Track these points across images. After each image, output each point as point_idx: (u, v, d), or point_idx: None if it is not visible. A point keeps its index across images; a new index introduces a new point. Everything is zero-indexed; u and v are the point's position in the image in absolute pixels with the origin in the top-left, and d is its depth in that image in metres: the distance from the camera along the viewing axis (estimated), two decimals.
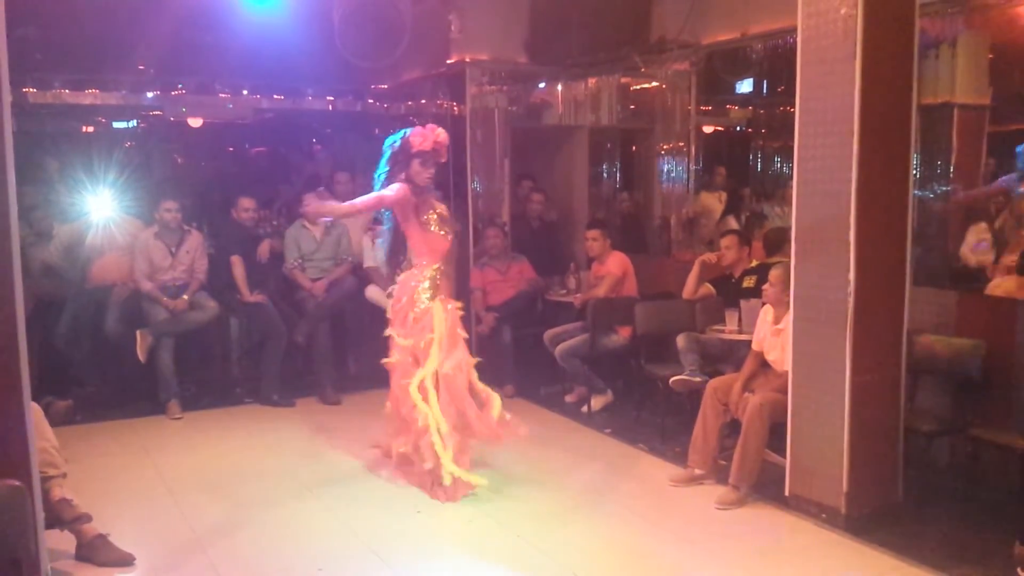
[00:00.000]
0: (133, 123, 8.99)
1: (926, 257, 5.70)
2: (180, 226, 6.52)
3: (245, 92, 8.26)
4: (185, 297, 6.39)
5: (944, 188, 5.99)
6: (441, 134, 4.83)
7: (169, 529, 4.35)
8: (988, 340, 4.64)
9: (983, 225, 6.05)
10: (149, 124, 8.86)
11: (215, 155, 9.93)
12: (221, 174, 9.52)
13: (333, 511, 4.56)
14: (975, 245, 5.97)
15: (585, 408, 6.38)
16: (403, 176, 4.79)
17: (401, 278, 4.93)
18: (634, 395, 6.33)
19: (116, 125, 8.92)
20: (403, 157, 4.78)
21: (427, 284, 4.80)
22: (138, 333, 6.21)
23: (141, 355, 6.20)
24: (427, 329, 4.73)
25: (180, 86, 7.71)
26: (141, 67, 7.60)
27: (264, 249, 6.82)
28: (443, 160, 4.95)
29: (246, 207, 6.70)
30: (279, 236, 7.12)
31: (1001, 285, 5.30)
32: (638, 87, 8.31)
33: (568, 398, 6.67)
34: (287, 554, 4.05)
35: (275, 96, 8.19)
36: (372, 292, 7.03)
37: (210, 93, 7.91)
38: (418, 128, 4.85)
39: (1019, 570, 3.64)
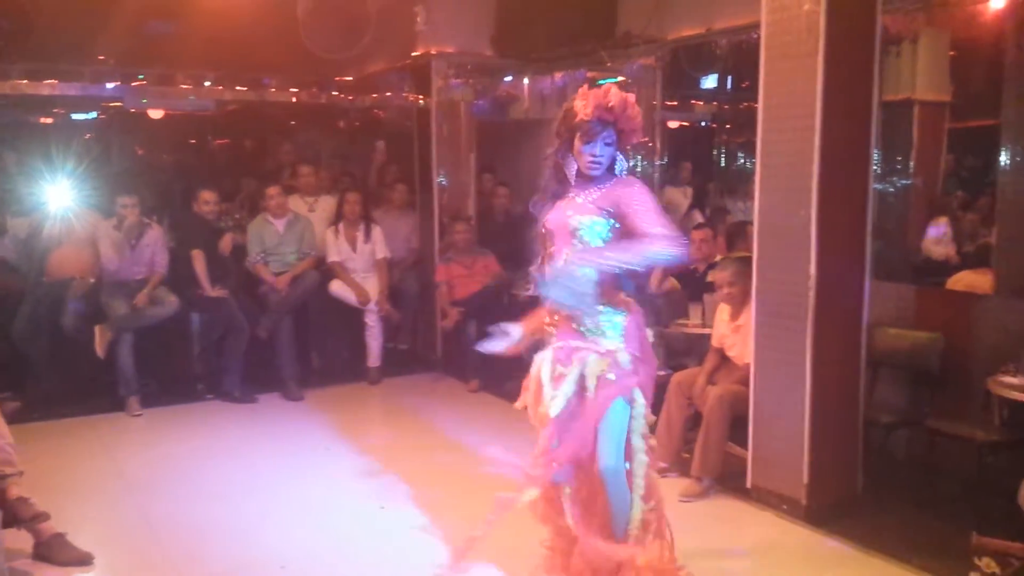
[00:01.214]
0: (93, 114, 8.85)
1: (886, 251, 5.77)
2: (140, 220, 6.42)
3: (207, 83, 8.15)
4: (145, 292, 6.29)
5: (904, 183, 6.06)
6: (610, 94, 3.08)
7: (129, 527, 4.29)
8: (946, 333, 4.71)
9: (944, 219, 6.15)
10: (109, 115, 8.72)
11: (176, 147, 9.81)
12: (182, 166, 9.40)
13: (296, 508, 4.52)
14: (937, 236, 6.07)
15: None
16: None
17: (628, 321, 3.18)
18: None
19: (75, 116, 8.78)
20: (565, 132, 3.18)
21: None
22: (97, 328, 6.11)
23: (100, 351, 6.09)
24: None
25: (141, 77, 7.58)
26: (101, 57, 7.47)
27: (226, 243, 6.74)
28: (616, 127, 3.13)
29: (207, 200, 6.61)
30: (241, 229, 7.05)
31: (962, 279, 5.38)
32: (604, 81, 8.31)
33: None
34: (249, 552, 4.01)
35: (238, 87, 8.09)
36: (336, 287, 6.99)
37: (171, 84, 7.79)
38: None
39: (976, 559, 3.70)
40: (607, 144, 3.09)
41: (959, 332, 4.73)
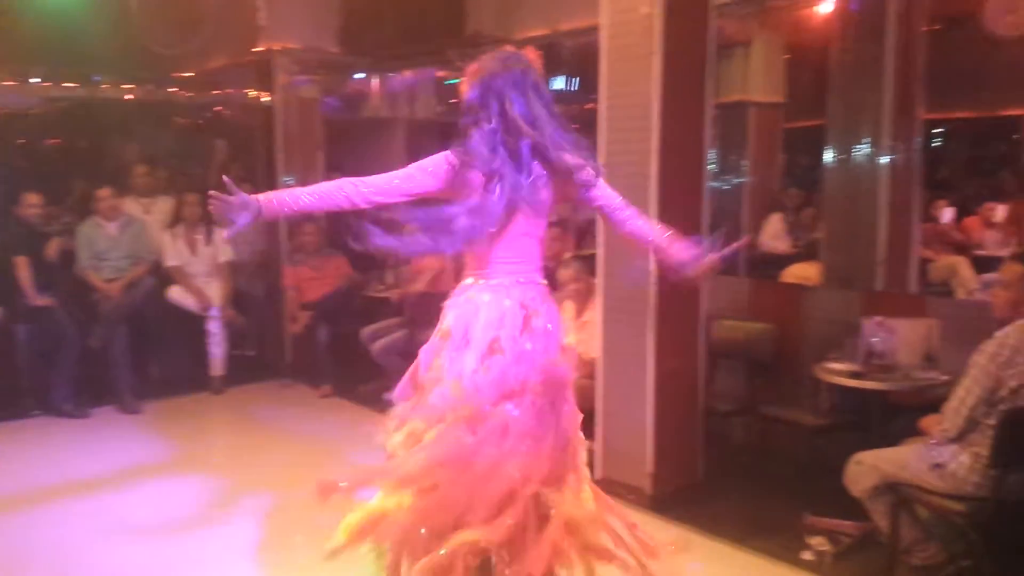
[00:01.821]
0: None
1: (724, 246, 5.99)
2: None
3: (34, 80, 7.67)
4: None
5: (741, 181, 6.33)
6: None
7: None
8: (779, 324, 4.94)
9: (779, 216, 6.45)
10: None
11: (0, 148, 9.16)
12: (7, 168, 8.77)
13: (132, 527, 4.27)
14: (774, 233, 6.36)
15: None
16: None
17: None
18: None
19: None
20: None
21: None
22: None
23: None
24: None
25: None
26: None
27: (53, 248, 6.33)
28: None
29: (31, 203, 6.19)
30: (71, 234, 6.63)
31: (793, 272, 5.67)
32: (455, 81, 8.31)
33: (387, 396, 6.55)
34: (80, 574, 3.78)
35: (66, 84, 7.64)
36: (175, 293, 6.68)
37: None
38: None
39: (809, 538, 3.89)
40: None
41: (791, 322, 4.98)
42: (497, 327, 2.74)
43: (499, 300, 2.78)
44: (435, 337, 2.87)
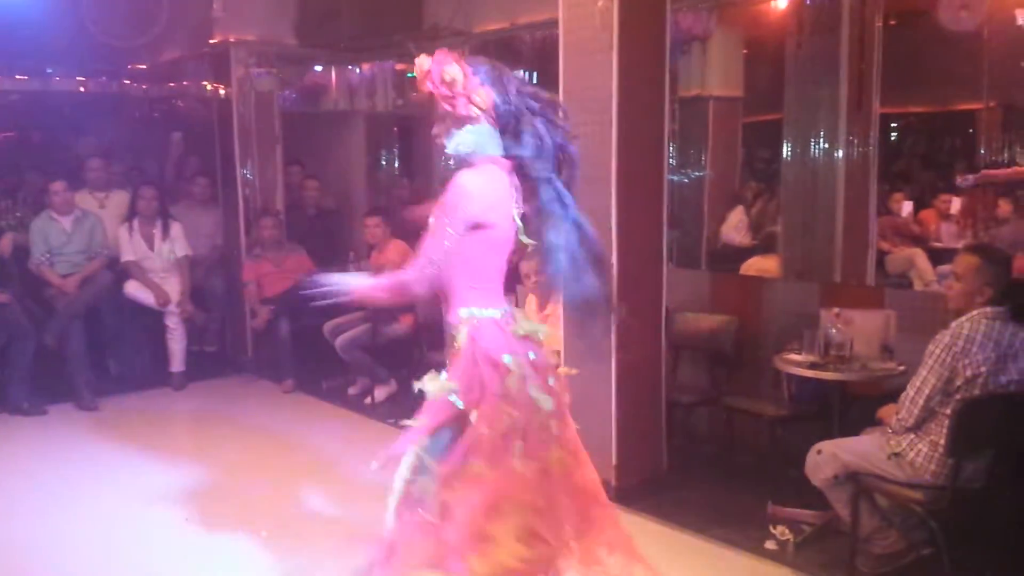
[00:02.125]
0: None
1: (684, 240, 6.05)
2: None
3: None
4: None
5: (700, 175, 6.37)
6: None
7: None
8: (740, 316, 4.99)
9: (739, 209, 6.50)
10: None
11: None
12: None
13: (91, 525, 4.23)
14: (733, 225, 6.41)
15: (369, 399, 6.28)
16: None
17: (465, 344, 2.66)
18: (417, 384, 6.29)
19: None
20: None
21: None
22: None
23: None
24: None
25: None
26: None
27: (5, 243, 6.22)
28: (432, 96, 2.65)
29: None
30: (23, 228, 6.50)
31: (754, 265, 5.73)
32: (414, 74, 8.25)
33: (351, 390, 6.53)
34: (37, 574, 3.73)
35: (17, 76, 7.48)
36: (132, 288, 6.58)
37: None
38: None
39: (771, 527, 3.94)
40: (442, 120, 2.63)
41: (751, 314, 5.04)
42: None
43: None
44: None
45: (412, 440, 2.60)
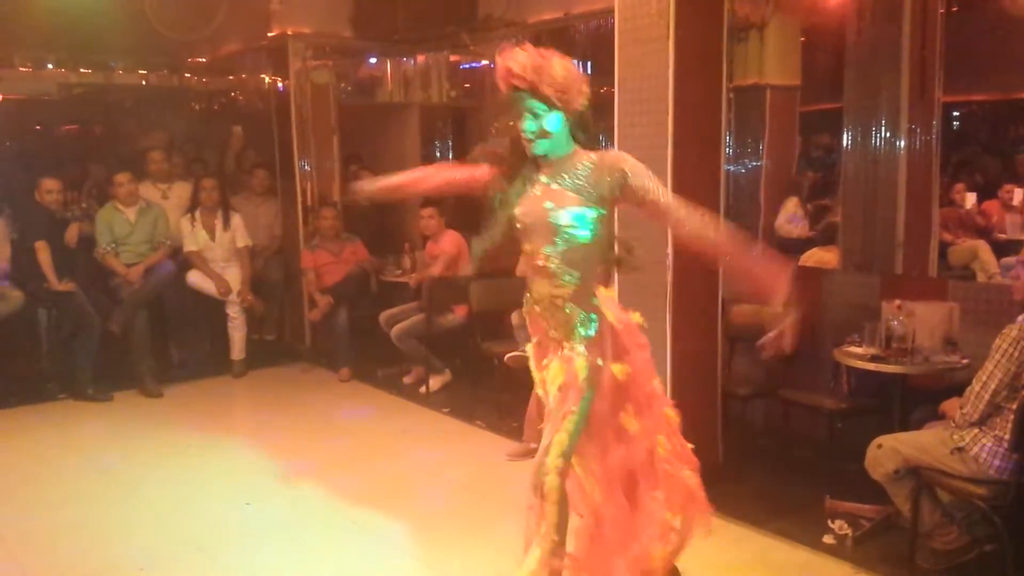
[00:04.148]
0: None
1: (741, 231, 5.97)
2: None
3: (50, 66, 7.69)
4: None
5: (755, 164, 6.29)
6: (513, 55, 2.63)
7: None
8: (798, 307, 4.92)
9: (795, 200, 6.42)
10: None
11: (18, 134, 9.22)
12: (25, 154, 8.83)
13: (155, 508, 4.33)
14: (790, 217, 6.33)
15: (423, 388, 6.35)
16: None
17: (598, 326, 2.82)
18: (471, 373, 6.35)
19: None
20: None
21: None
22: None
23: None
24: None
25: None
26: None
27: (72, 233, 6.39)
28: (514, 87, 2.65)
29: (49, 188, 6.23)
30: (89, 219, 6.68)
31: (813, 256, 5.65)
32: (468, 65, 8.28)
33: (406, 379, 6.61)
34: (106, 555, 3.82)
35: (82, 70, 7.67)
36: (194, 277, 6.73)
37: (9, 67, 7.32)
38: None
39: (829, 521, 3.90)
40: (536, 115, 2.61)
41: (810, 306, 4.96)
42: None
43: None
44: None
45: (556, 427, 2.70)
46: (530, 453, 4.81)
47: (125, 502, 4.43)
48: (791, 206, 6.35)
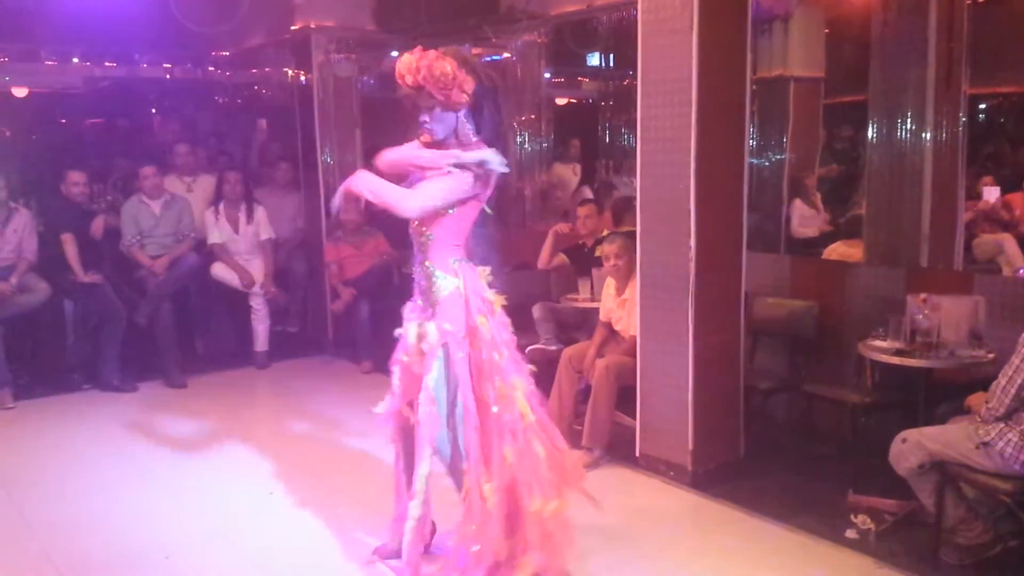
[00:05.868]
0: None
1: (764, 224, 5.95)
2: (6, 203, 6.07)
3: (75, 60, 7.78)
4: (13, 280, 5.96)
5: (779, 157, 6.25)
6: (400, 60, 3.09)
7: (3, 525, 4.09)
8: (820, 301, 4.90)
9: (799, 201, 6.37)
10: None
11: (44, 127, 9.33)
12: (51, 147, 8.93)
13: (179, 497, 4.38)
14: (800, 219, 6.29)
15: None
16: None
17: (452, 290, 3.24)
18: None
19: None
20: None
21: None
22: None
23: None
24: None
25: (2, 54, 7.16)
26: None
27: (98, 226, 6.43)
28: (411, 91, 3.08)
29: (75, 181, 6.29)
30: (115, 211, 6.74)
31: (836, 249, 5.62)
32: (490, 58, 8.27)
33: None
34: (131, 544, 3.86)
35: (107, 63, 7.74)
36: (218, 269, 6.78)
37: (35, 61, 7.40)
38: None
39: (852, 516, 3.88)
40: (429, 109, 3.07)
41: (833, 300, 4.94)
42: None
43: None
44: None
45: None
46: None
47: (150, 491, 4.48)
48: (798, 209, 6.30)
